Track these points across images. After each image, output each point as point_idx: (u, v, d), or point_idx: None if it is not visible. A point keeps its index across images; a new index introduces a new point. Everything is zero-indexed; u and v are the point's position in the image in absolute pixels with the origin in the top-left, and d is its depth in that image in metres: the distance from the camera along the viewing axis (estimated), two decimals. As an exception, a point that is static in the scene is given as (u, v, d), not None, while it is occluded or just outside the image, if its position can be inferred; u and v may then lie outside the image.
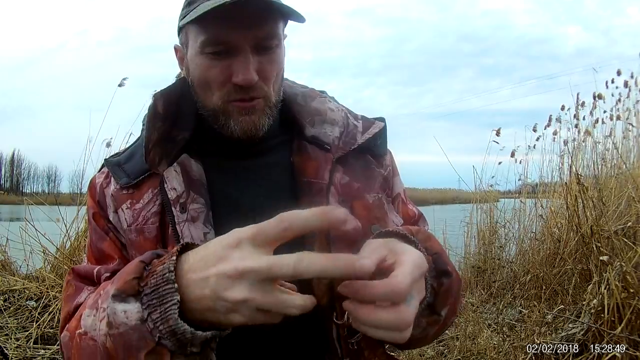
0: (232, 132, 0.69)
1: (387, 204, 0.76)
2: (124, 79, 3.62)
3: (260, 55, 0.67)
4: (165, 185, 0.68)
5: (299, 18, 0.68)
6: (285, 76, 0.82)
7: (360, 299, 0.46)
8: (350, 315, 0.48)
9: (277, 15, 0.66)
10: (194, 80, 0.71)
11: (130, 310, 0.48)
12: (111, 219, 0.72)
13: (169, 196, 0.67)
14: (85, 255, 0.77)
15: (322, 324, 0.65)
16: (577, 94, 3.83)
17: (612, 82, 3.84)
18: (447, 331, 2.68)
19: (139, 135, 0.80)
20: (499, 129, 3.98)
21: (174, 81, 0.77)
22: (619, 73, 3.84)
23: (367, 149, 0.76)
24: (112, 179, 0.74)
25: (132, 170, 0.73)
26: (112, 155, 0.81)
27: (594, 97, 3.80)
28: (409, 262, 0.48)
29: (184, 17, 0.68)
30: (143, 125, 0.77)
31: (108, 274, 0.69)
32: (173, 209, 0.67)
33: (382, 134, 0.78)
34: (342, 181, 0.72)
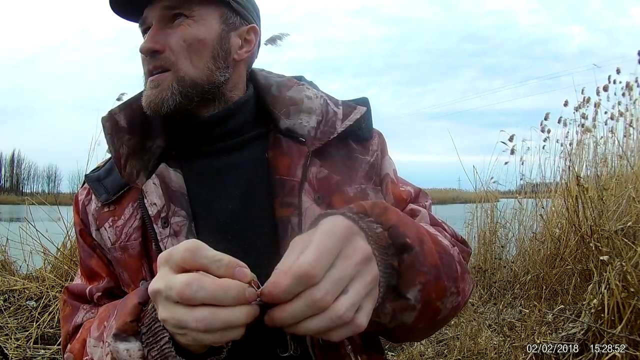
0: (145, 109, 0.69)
1: (375, 194, 0.73)
2: (122, 94, 3.63)
3: (170, 28, 0.68)
4: (145, 201, 0.67)
5: None
6: (281, 73, 0.79)
7: (278, 301, 0.42)
8: (272, 321, 0.43)
9: None
10: None
11: (132, 349, 0.51)
12: (94, 236, 0.72)
13: (150, 212, 0.66)
14: (78, 270, 0.77)
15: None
16: (583, 89, 3.81)
17: (614, 82, 3.83)
18: (447, 331, 2.68)
19: None
20: (512, 136, 3.99)
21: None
22: (618, 71, 3.83)
23: (349, 135, 0.73)
24: (93, 196, 0.73)
25: (111, 185, 0.72)
26: (93, 170, 0.78)
27: (597, 93, 3.78)
28: (317, 234, 0.44)
29: None
30: None
31: (100, 293, 0.71)
32: (155, 225, 0.65)
33: (365, 117, 0.75)
34: (318, 175, 0.69)
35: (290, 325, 0.42)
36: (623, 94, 3.74)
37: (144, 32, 0.71)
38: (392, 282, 0.49)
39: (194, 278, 0.41)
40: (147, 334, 0.50)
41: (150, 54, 0.67)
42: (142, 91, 0.73)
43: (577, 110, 3.77)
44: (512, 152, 4.04)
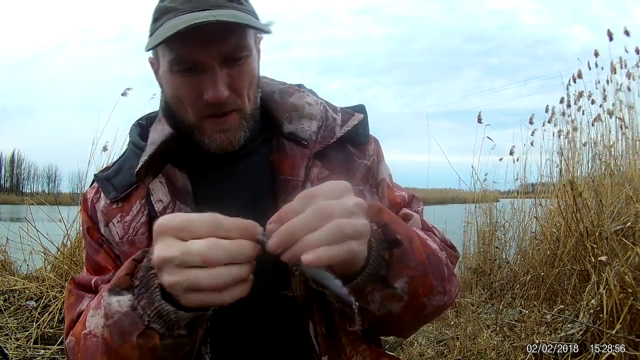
0: (208, 149, 0.69)
1: (371, 195, 0.77)
2: (128, 89, 3.63)
3: (230, 68, 0.66)
4: (152, 198, 0.70)
5: (264, 29, 0.66)
6: (273, 77, 0.82)
7: (284, 219, 0.49)
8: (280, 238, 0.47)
9: (242, 27, 0.65)
10: (168, 97, 0.72)
11: (123, 300, 0.54)
12: (103, 232, 0.75)
13: (156, 208, 0.69)
14: (84, 266, 0.80)
15: (301, 322, 0.66)
16: (571, 79, 3.81)
17: (608, 82, 3.82)
18: (447, 331, 2.69)
19: (126, 147, 0.81)
20: (479, 114, 4.05)
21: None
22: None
23: (347, 140, 0.76)
24: (102, 194, 0.76)
25: (120, 184, 0.75)
26: (102, 170, 0.82)
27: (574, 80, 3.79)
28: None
29: (151, 34, 0.68)
30: (130, 137, 0.79)
31: (105, 284, 0.71)
32: None
33: (362, 124, 0.78)
34: (320, 176, 0.72)
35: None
36: (612, 91, 3.74)
37: (184, 70, 0.66)
38: (381, 272, 0.55)
39: (214, 240, 0.47)
40: (139, 286, 0.53)
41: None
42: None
43: (561, 102, 3.79)
44: (511, 152, 4.06)
